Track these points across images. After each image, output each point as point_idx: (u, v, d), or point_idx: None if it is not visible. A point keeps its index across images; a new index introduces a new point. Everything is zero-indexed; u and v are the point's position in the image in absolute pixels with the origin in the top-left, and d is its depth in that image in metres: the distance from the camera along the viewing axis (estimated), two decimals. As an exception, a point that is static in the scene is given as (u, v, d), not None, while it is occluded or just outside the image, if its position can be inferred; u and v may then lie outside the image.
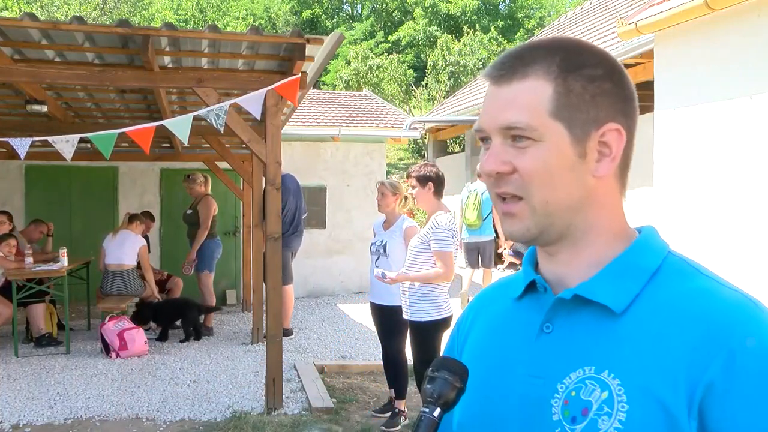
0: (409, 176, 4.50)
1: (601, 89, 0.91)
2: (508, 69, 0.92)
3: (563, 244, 0.94)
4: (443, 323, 4.30)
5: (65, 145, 4.99)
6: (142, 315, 7.42)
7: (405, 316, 4.42)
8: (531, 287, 1.00)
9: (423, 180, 4.39)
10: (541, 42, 0.94)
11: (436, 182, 4.40)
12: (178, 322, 7.68)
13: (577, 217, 0.92)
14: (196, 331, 7.58)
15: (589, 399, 0.86)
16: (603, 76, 0.91)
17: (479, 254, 9.07)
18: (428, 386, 0.90)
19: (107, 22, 13.15)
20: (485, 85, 0.95)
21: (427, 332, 4.28)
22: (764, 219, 4.64)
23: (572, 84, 0.90)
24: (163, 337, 7.46)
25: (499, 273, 11.44)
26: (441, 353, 3.91)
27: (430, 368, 0.92)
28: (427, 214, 4.47)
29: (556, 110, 0.89)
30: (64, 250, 7.24)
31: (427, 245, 4.25)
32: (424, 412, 0.89)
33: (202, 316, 7.87)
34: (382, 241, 4.83)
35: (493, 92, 0.93)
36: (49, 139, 5.00)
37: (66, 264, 7.14)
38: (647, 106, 7.07)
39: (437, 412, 0.88)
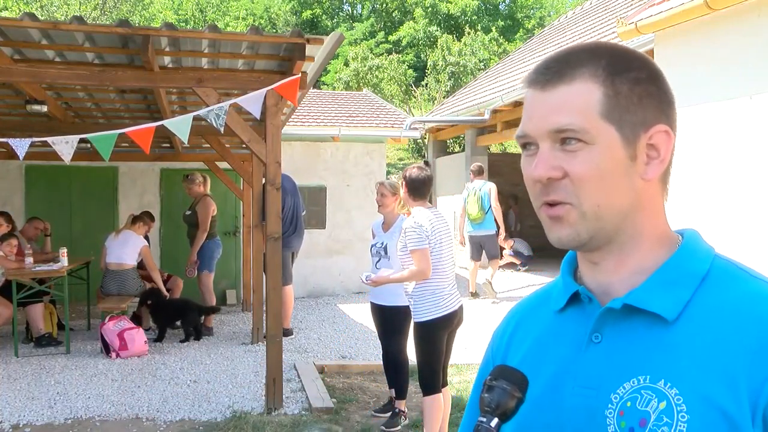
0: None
1: (648, 91, 0.91)
2: (554, 74, 0.90)
3: (609, 250, 0.92)
4: (440, 322, 4.26)
5: (65, 146, 4.99)
6: (148, 301, 7.50)
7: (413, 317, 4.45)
8: (574, 298, 0.98)
9: (402, 181, 4.51)
10: (583, 46, 0.94)
11: (408, 183, 4.43)
12: (178, 323, 7.68)
13: (626, 221, 0.91)
14: (196, 332, 7.58)
15: (647, 409, 0.84)
16: (647, 78, 0.91)
17: (482, 247, 9.56)
18: (486, 395, 0.88)
19: (107, 22, 13.15)
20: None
21: (426, 331, 4.26)
22: (764, 219, 4.64)
23: (620, 86, 0.89)
24: (160, 338, 7.46)
25: (500, 272, 11.43)
26: (439, 352, 3.85)
27: (489, 377, 0.90)
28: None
29: (607, 112, 0.88)
30: (64, 250, 7.24)
31: (406, 246, 4.29)
32: (482, 422, 0.86)
33: (202, 317, 7.86)
34: (382, 243, 4.83)
35: (538, 97, 0.91)
36: (49, 140, 5.00)
37: (66, 264, 7.14)
38: (647, 106, 7.07)
39: (495, 422, 0.86)
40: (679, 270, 0.90)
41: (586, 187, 0.88)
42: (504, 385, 0.88)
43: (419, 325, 4.28)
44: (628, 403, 0.86)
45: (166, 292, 7.66)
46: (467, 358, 6.47)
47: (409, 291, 4.36)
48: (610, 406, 0.87)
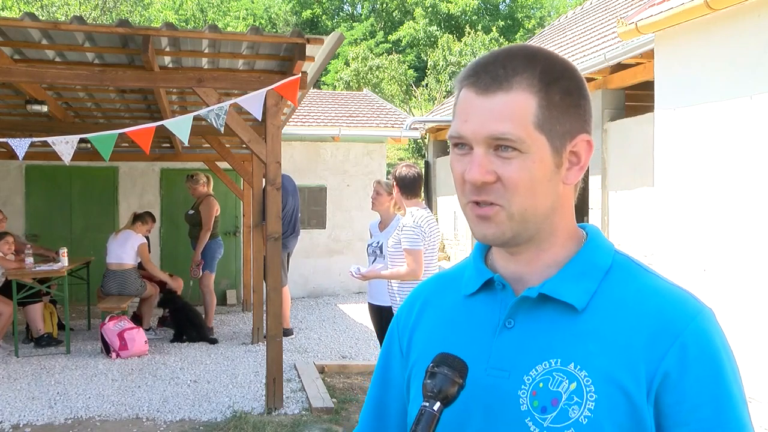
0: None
1: (575, 103, 0.95)
2: (492, 79, 0.93)
3: (527, 246, 0.99)
4: None
5: (65, 146, 4.99)
6: (168, 303, 7.61)
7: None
8: (486, 284, 1.03)
9: (394, 180, 4.52)
10: (519, 50, 0.96)
11: (398, 182, 4.46)
12: (165, 312, 7.85)
13: (546, 221, 0.97)
14: (203, 336, 7.56)
15: (558, 390, 0.91)
16: (575, 89, 0.96)
17: None
18: (429, 381, 0.92)
19: (107, 22, 13.15)
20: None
21: None
22: (764, 219, 4.64)
23: (552, 96, 0.93)
24: (177, 338, 7.52)
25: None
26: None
27: (431, 364, 0.94)
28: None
29: (540, 123, 0.92)
30: (64, 250, 7.24)
31: (400, 243, 4.29)
32: (425, 406, 0.90)
33: (162, 311, 7.95)
34: (378, 243, 4.85)
35: (475, 101, 0.93)
36: (49, 140, 5.00)
37: (66, 264, 7.14)
38: (647, 106, 7.08)
39: (437, 406, 0.90)
40: (586, 263, 0.98)
41: (516, 192, 0.93)
42: (446, 371, 0.92)
43: None
44: (541, 384, 0.93)
45: (173, 285, 7.70)
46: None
47: (394, 289, 4.37)
48: (522, 386, 0.94)
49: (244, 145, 5.51)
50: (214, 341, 7.52)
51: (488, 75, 0.93)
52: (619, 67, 7.66)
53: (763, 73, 4.61)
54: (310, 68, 5.35)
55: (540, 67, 0.93)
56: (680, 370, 0.88)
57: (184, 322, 7.56)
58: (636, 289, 0.95)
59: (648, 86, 6.47)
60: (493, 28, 27.34)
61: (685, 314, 0.92)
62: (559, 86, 0.94)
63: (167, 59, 5.37)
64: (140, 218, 7.80)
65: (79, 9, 19.24)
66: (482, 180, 0.92)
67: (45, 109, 6.39)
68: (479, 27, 27.53)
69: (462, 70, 0.99)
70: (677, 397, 0.88)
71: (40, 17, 4.97)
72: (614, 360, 0.90)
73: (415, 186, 4.46)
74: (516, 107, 0.91)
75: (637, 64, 7.37)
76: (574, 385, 0.91)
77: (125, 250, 7.44)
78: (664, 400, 0.89)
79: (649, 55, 6.34)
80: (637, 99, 8.64)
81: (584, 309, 0.94)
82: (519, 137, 0.91)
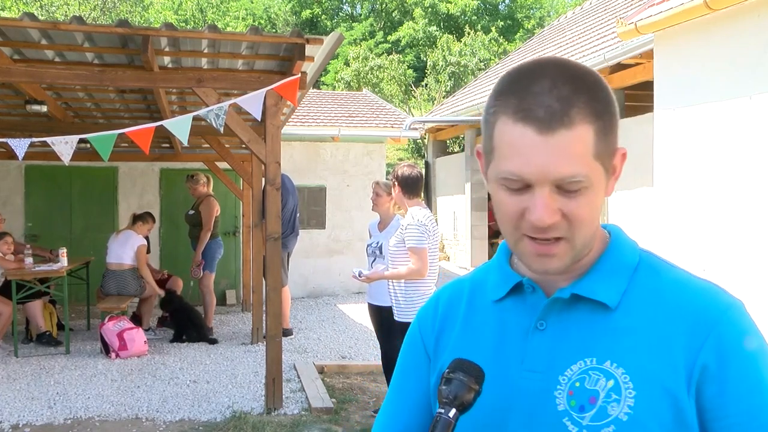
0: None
1: (613, 121, 0.93)
2: (548, 114, 0.88)
3: None
4: None
5: (64, 146, 4.99)
6: (169, 304, 7.63)
7: (395, 316, 4.42)
8: (514, 288, 1.02)
9: (394, 180, 4.51)
10: (557, 74, 0.90)
11: (400, 182, 4.46)
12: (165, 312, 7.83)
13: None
14: (201, 336, 7.56)
15: (595, 388, 0.91)
16: (613, 106, 0.94)
17: None
18: (444, 387, 0.91)
19: (107, 22, 13.15)
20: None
21: None
22: (764, 219, 4.64)
23: (603, 124, 0.91)
24: (177, 339, 7.52)
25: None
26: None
27: (447, 369, 0.93)
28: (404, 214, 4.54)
29: (597, 153, 0.91)
30: (63, 250, 7.24)
31: (403, 243, 4.29)
32: (441, 413, 0.89)
33: (161, 311, 7.94)
34: (377, 243, 4.85)
35: (534, 140, 0.88)
36: (48, 140, 5.00)
37: (66, 264, 7.13)
38: (647, 107, 7.07)
39: (453, 413, 0.89)
40: (614, 262, 0.99)
41: (582, 225, 0.92)
42: (462, 377, 0.91)
43: (406, 326, 4.29)
44: (577, 383, 0.92)
45: (159, 291, 7.65)
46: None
47: (396, 289, 4.36)
48: (558, 387, 0.93)
49: (244, 145, 5.51)
50: (213, 341, 7.51)
51: (542, 109, 0.88)
52: (619, 67, 7.66)
53: (763, 73, 4.60)
54: (309, 68, 5.35)
55: (587, 92, 0.90)
56: (719, 362, 0.89)
57: (184, 323, 7.56)
58: (666, 285, 0.96)
59: (648, 86, 6.46)
60: (493, 29, 27.33)
61: (717, 306, 0.92)
62: (605, 111, 0.91)
63: (167, 59, 5.37)
64: (140, 218, 7.80)
65: (79, 9, 19.23)
66: (551, 222, 0.89)
67: (44, 109, 6.39)
68: (479, 27, 27.53)
69: (497, 92, 0.93)
70: (717, 389, 0.88)
71: (40, 17, 4.97)
72: (651, 356, 0.90)
73: (416, 186, 4.47)
74: (579, 144, 0.88)
75: (637, 64, 7.37)
76: (611, 383, 0.91)
77: (125, 250, 7.44)
78: (705, 392, 0.89)
79: (649, 55, 6.34)
80: (636, 99, 8.64)
81: (617, 307, 0.95)
82: (586, 175, 0.89)
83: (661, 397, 0.89)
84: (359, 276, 4.48)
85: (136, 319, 7.61)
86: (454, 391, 0.90)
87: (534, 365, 0.96)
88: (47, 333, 7.20)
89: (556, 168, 0.88)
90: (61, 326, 7.58)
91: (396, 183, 4.48)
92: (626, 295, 0.95)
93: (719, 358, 0.89)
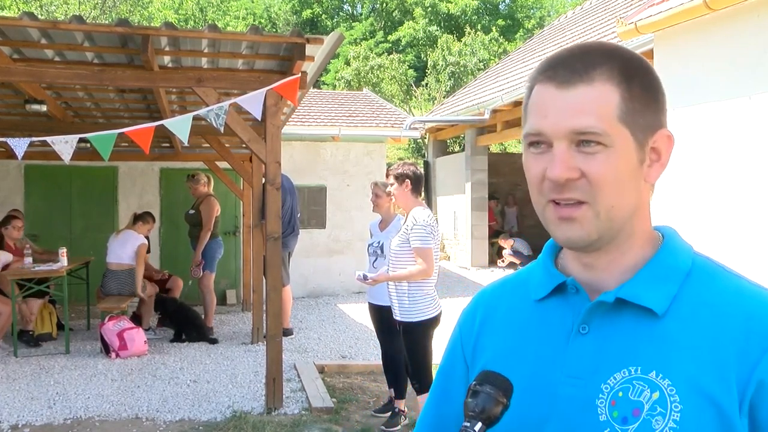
0: (388, 175, 4.53)
1: (654, 97, 0.93)
2: (572, 72, 0.90)
3: (608, 248, 0.94)
4: (433, 322, 4.32)
5: (64, 146, 4.99)
6: (164, 309, 7.61)
7: (395, 316, 4.41)
8: (557, 288, 0.98)
9: (400, 178, 4.43)
10: (596, 46, 0.94)
11: (413, 180, 4.42)
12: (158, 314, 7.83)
13: (628, 222, 0.93)
14: (201, 336, 7.56)
15: (640, 399, 0.87)
16: (654, 84, 0.94)
17: None
18: (470, 400, 0.88)
19: (107, 22, 13.14)
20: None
21: (418, 332, 4.29)
22: (764, 219, 4.64)
23: (634, 89, 0.90)
24: (177, 339, 7.51)
25: (501, 272, 11.43)
26: (431, 351, 3.87)
27: (474, 381, 0.90)
28: (405, 213, 4.51)
29: (624, 115, 0.89)
30: (64, 250, 7.23)
31: (407, 243, 4.27)
32: (466, 426, 0.87)
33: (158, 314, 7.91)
34: (378, 242, 4.84)
35: (554, 94, 0.90)
36: (48, 140, 4.99)
37: (66, 264, 7.13)
38: (647, 106, 7.06)
39: (479, 426, 0.86)
40: (665, 266, 0.93)
41: (602, 188, 0.89)
42: (489, 389, 0.88)
43: (415, 325, 4.29)
44: (620, 393, 0.88)
45: (140, 293, 7.51)
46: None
47: (395, 289, 4.35)
48: (600, 396, 0.89)
49: (244, 145, 5.51)
50: (213, 341, 7.51)
51: (566, 69, 0.90)
52: (619, 66, 7.65)
53: (763, 73, 4.60)
54: (309, 68, 5.34)
55: (619, 61, 0.91)
56: None
57: (184, 323, 7.56)
58: (720, 292, 0.90)
59: (648, 86, 6.46)
60: (493, 28, 27.36)
61: None
62: (639, 80, 0.91)
63: (167, 59, 5.36)
64: (141, 218, 7.80)
65: (79, 8, 19.23)
66: (566, 176, 0.88)
67: (44, 108, 6.38)
68: (479, 27, 27.53)
69: (535, 68, 0.96)
70: None
71: (39, 17, 4.96)
72: (700, 368, 0.85)
73: (421, 184, 4.49)
74: (599, 99, 0.88)
75: (637, 63, 7.37)
76: (656, 395, 0.86)
77: (125, 250, 7.44)
78: (761, 410, 0.83)
79: (649, 55, 6.33)
80: (636, 99, 8.64)
81: (665, 314, 0.90)
82: (603, 130, 0.88)
83: (709, 412, 0.83)
84: (364, 279, 4.42)
85: (136, 319, 7.61)
86: (481, 405, 0.87)
87: (575, 371, 0.92)
88: (30, 332, 7.17)
89: (570, 118, 0.88)
90: (61, 326, 7.58)
91: (408, 181, 4.42)
92: (676, 302, 0.90)
93: None
